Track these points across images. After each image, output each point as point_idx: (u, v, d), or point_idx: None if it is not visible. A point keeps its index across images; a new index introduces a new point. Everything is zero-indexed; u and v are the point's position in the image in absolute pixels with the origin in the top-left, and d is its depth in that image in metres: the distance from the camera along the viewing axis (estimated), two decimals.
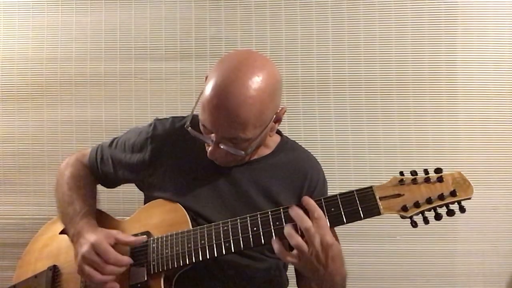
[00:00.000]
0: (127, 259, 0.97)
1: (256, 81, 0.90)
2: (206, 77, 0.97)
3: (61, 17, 1.79)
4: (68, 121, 1.79)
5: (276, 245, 0.87)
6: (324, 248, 0.83)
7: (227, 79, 0.90)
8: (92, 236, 0.98)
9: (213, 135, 0.95)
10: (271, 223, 0.91)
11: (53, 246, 1.16)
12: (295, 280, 1.12)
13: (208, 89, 0.92)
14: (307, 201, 0.87)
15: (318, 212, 0.86)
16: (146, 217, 1.07)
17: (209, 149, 0.97)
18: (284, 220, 0.90)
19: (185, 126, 0.99)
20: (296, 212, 0.87)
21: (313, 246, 0.83)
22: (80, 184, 1.13)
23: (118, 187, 1.23)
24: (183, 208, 1.03)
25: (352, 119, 1.73)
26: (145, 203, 1.14)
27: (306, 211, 0.87)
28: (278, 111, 1.00)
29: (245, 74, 0.90)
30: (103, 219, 1.12)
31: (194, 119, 1.09)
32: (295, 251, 0.85)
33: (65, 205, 1.09)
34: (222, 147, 0.95)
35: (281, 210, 0.92)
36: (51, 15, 1.79)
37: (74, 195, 1.10)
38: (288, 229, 0.87)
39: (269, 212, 0.92)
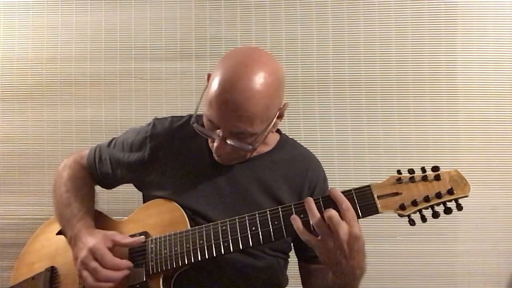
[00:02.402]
0: (125, 263, 0.96)
1: (263, 76, 0.91)
2: (209, 75, 0.98)
3: (61, 17, 1.79)
4: (68, 121, 1.79)
5: (295, 222, 0.86)
6: (352, 239, 0.82)
7: (235, 74, 0.91)
8: (90, 240, 0.97)
9: (219, 130, 0.95)
10: (270, 223, 0.91)
11: (51, 247, 1.16)
12: (295, 279, 1.12)
13: (215, 84, 0.92)
14: (335, 193, 0.87)
15: (346, 203, 0.85)
16: (144, 217, 1.07)
17: (215, 145, 0.98)
18: (283, 219, 0.90)
19: (191, 122, 0.99)
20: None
21: (337, 234, 0.82)
22: (78, 186, 1.13)
23: (118, 187, 1.23)
24: (180, 208, 1.02)
25: (352, 119, 1.73)
26: (144, 202, 1.14)
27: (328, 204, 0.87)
28: (281, 106, 1.01)
29: (251, 69, 0.91)
30: (101, 220, 1.12)
31: (197, 117, 1.09)
32: (319, 237, 0.84)
33: (62, 207, 1.09)
34: (229, 142, 0.95)
35: (280, 209, 0.91)
36: (51, 15, 1.79)
37: (71, 197, 1.10)
38: (309, 204, 0.86)
39: (268, 212, 0.92)
